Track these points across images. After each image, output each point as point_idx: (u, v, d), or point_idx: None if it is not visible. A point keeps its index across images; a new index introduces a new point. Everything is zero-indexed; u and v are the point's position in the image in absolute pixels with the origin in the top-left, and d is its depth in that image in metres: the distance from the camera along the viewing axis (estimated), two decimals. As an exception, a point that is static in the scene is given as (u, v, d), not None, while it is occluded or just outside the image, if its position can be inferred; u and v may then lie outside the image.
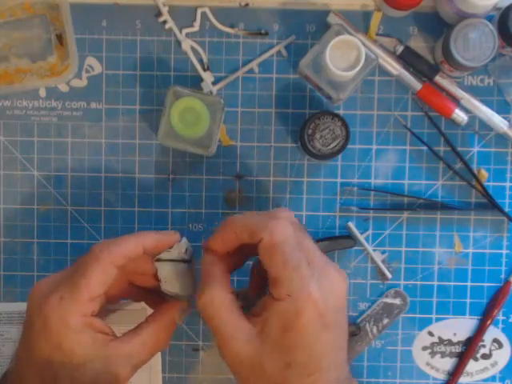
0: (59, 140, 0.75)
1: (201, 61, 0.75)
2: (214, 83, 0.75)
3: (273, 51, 0.75)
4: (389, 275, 0.76)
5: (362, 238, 0.75)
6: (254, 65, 0.75)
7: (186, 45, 0.74)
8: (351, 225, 0.76)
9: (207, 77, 0.75)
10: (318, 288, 0.59)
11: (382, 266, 0.76)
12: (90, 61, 0.75)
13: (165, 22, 0.74)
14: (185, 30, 0.74)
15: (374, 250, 0.76)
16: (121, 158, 0.75)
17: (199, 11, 0.74)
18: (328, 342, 0.60)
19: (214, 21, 0.75)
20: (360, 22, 0.75)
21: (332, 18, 0.73)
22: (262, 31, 0.75)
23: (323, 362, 0.60)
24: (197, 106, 0.69)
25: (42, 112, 0.75)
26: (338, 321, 0.61)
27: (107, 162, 0.75)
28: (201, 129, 0.69)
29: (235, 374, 0.62)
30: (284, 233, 0.60)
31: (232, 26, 0.75)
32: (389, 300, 0.76)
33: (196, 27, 0.74)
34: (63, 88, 0.75)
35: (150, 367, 0.76)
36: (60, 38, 0.74)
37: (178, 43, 0.75)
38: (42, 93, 0.75)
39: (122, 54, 0.75)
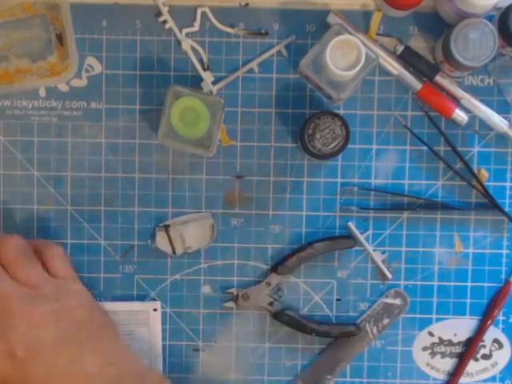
0: (59, 140, 0.75)
1: (201, 61, 0.75)
2: (214, 83, 0.75)
3: (273, 51, 0.75)
4: (389, 275, 0.76)
5: (362, 237, 0.75)
6: (253, 65, 0.75)
7: (186, 44, 0.74)
8: (351, 225, 0.75)
9: (207, 77, 0.75)
10: None
11: (382, 266, 0.76)
12: (90, 61, 0.75)
13: (165, 21, 0.74)
14: (185, 30, 0.74)
15: (374, 250, 0.76)
16: (121, 158, 0.75)
17: (199, 11, 0.74)
18: None
19: (214, 21, 0.75)
20: (360, 21, 0.75)
21: (332, 18, 0.73)
22: (262, 31, 0.75)
23: None
24: (197, 105, 0.69)
25: (41, 112, 0.75)
26: None
27: (107, 162, 0.75)
28: (201, 129, 0.69)
29: None
30: None
31: (232, 26, 0.75)
32: (389, 300, 0.76)
33: (196, 27, 0.74)
34: (63, 88, 0.75)
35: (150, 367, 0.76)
36: (60, 38, 0.74)
37: (178, 43, 0.75)
38: (42, 93, 0.75)
39: (122, 53, 0.75)
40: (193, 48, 0.75)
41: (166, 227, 0.75)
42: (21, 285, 0.66)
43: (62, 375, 0.64)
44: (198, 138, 0.71)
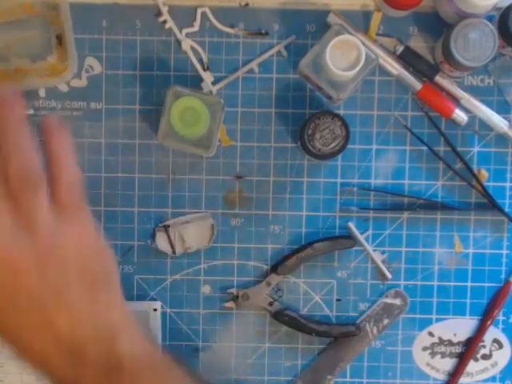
0: (59, 140, 0.75)
1: (201, 61, 0.75)
2: (213, 83, 0.75)
3: (273, 51, 0.75)
4: (389, 275, 0.76)
5: (361, 238, 0.75)
6: (253, 65, 0.75)
7: (186, 44, 0.74)
8: (351, 225, 0.75)
9: (207, 77, 0.75)
10: None
11: (382, 267, 0.76)
12: (90, 61, 0.75)
13: (165, 21, 0.74)
14: (185, 30, 0.74)
15: (374, 251, 0.76)
16: (121, 158, 0.75)
17: (199, 11, 0.74)
18: None
19: (214, 21, 0.75)
20: (360, 22, 0.75)
21: (332, 18, 0.73)
22: (262, 31, 0.75)
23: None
24: (197, 105, 0.69)
25: (41, 112, 0.75)
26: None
27: (107, 162, 0.75)
28: (201, 129, 0.69)
29: None
30: None
31: (232, 26, 0.75)
32: (389, 300, 0.76)
33: (196, 27, 0.74)
34: (63, 88, 0.75)
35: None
36: (60, 38, 0.74)
37: (178, 43, 0.75)
38: (42, 93, 0.75)
39: (122, 53, 0.75)
40: (193, 48, 0.75)
41: (166, 227, 0.75)
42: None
43: (32, 329, 0.57)
44: (197, 138, 0.71)
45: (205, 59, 0.75)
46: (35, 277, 0.57)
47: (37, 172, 0.58)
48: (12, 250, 0.56)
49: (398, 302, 0.76)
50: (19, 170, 0.57)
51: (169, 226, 0.75)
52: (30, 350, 0.58)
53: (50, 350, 0.57)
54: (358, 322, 0.76)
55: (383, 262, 0.76)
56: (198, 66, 0.75)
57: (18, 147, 0.58)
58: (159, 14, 0.74)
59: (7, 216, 0.57)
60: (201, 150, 0.72)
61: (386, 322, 0.76)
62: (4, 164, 0.57)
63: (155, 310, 0.75)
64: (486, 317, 0.76)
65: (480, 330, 0.76)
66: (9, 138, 0.58)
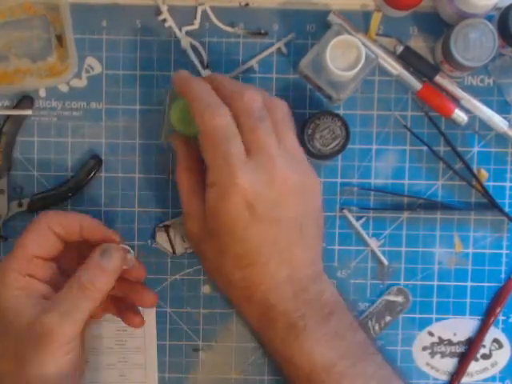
0: (59, 140, 0.75)
1: (201, 62, 0.75)
2: None
3: (273, 49, 0.75)
4: (385, 262, 0.76)
5: (357, 224, 0.75)
6: (253, 62, 0.75)
7: (186, 42, 0.74)
8: (347, 212, 0.75)
9: (207, 74, 0.74)
10: (249, 178, 0.60)
11: (378, 253, 0.76)
12: (90, 61, 0.75)
13: (164, 20, 0.74)
14: (184, 28, 0.74)
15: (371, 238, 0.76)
16: (121, 158, 0.75)
17: (199, 9, 0.74)
18: (262, 234, 0.61)
19: (214, 20, 0.74)
20: (360, 22, 0.75)
21: (332, 18, 0.73)
22: (262, 31, 0.75)
23: (259, 255, 0.62)
24: None
25: (41, 112, 0.75)
26: (278, 214, 0.62)
27: (107, 162, 0.75)
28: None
29: (193, 250, 0.71)
30: (218, 121, 0.61)
31: (232, 26, 0.75)
32: (391, 298, 0.76)
33: (196, 25, 0.74)
34: (63, 88, 0.75)
35: (146, 367, 0.76)
36: (60, 39, 0.74)
37: (178, 43, 0.75)
38: (42, 93, 0.75)
39: (122, 53, 0.75)
40: (192, 47, 0.74)
41: (166, 227, 0.75)
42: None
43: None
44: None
45: (204, 56, 0.75)
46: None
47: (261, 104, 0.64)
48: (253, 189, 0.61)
49: (400, 299, 0.76)
50: (247, 105, 0.63)
51: (169, 226, 0.75)
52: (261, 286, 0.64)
53: (282, 284, 0.63)
54: (360, 319, 0.76)
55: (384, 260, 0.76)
56: (198, 64, 0.75)
57: (238, 87, 0.65)
58: (159, 12, 0.74)
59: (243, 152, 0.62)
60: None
61: (388, 319, 0.76)
62: (233, 102, 0.63)
63: (151, 307, 0.76)
64: (488, 314, 0.76)
65: (483, 328, 0.76)
66: (226, 83, 0.65)
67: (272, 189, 0.61)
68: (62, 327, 0.60)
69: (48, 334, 0.60)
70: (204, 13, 0.74)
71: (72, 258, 0.67)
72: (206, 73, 0.75)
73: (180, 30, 0.74)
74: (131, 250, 0.66)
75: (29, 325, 0.60)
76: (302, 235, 0.64)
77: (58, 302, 0.61)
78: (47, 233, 0.64)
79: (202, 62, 0.75)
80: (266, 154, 0.62)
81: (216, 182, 0.61)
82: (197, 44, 0.75)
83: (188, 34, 0.75)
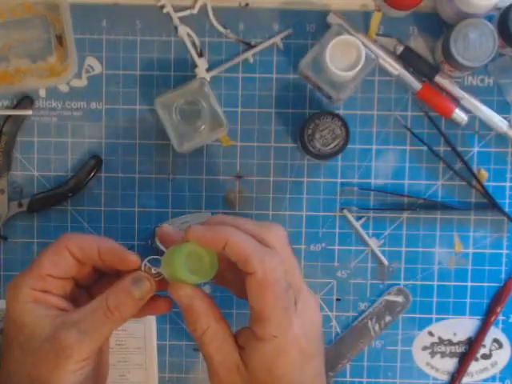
0: (59, 140, 0.75)
1: (196, 51, 0.75)
2: (208, 70, 0.74)
3: (269, 42, 0.74)
4: (385, 262, 0.76)
5: (357, 224, 0.75)
6: (249, 55, 0.74)
7: (183, 31, 0.74)
8: (347, 212, 0.75)
9: (201, 63, 0.74)
10: (301, 323, 0.59)
11: (378, 253, 0.76)
12: (90, 61, 0.75)
13: (162, 7, 0.74)
14: (182, 13, 0.74)
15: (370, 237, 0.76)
16: (121, 157, 0.75)
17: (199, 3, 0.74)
18: (311, 372, 0.61)
19: (212, 18, 0.74)
20: (360, 22, 0.75)
21: (332, 18, 0.73)
22: (252, 43, 0.75)
23: None
24: (199, 251, 0.61)
25: (41, 112, 0.75)
26: (318, 348, 0.61)
27: (107, 162, 0.75)
28: (203, 120, 0.69)
29: None
30: (278, 272, 0.57)
31: (232, 27, 0.75)
32: (391, 298, 0.76)
33: (195, 9, 0.74)
34: (63, 88, 0.75)
35: (146, 367, 0.76)
36: (60, 39, 0.74)
37: (178, 42, 0.75)
38: (42, 93, 0.75)
39: (122, 54, 0.75)
40: (191, 42, 0.75)
41: None
42: None
43: None
44: (208, 123, 0.70)
45: (197, 44, 0.74)
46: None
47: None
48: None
49: (400, 299, 0.76)
50: (279, 236, 0.60)
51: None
52: None
53: None
54: (359, 319, 0.76)
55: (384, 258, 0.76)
56: (193, 52, 0.74)
57: (257, 222, 0.62)
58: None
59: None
60: (219, 130, 0.71)
61: (388, 319, 0.76)
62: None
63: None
64: (488, 315, 0.76)
65: (483, 328, 0.76)
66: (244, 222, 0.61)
67: (314, 325, 0.61)
68: (80, 345, 0.59)
69: (65, 349, 0.59)
70: (204, 13, 0.74)
71: (89, 275, 0.66)
72: (200, 61, 0.74)
73: (178, 21, 0.74)
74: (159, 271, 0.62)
75: (46, 339, 0.60)
76: (323, 361, 0.64)
77: (79, 319, 0.60)
78: (65, 254, 0.63)
79: (197, 51, 0.75)
80: (304, 292, 0.61)
81: (278, 334, 0.58)
82: (192, 33, 0.74)
83: (182, 20, 0.74)
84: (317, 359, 0.61)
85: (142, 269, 0.62)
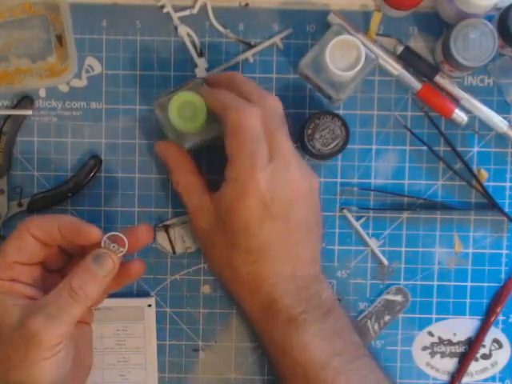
0: (59, 140, 0.75)
1: (196, 51, 0.75)
2: (208, 70, 0.75)
3: (269, 42, 0.74)
4: (385, 262, 0.76)
5: (357, 224, 0.75)
6: (249, 55, 0.74)
7: (183, 30, 0.74)
8: (347, 212, 0.75)
9: (201, 63, 0.74)
10: (268, 179, 0.63)
11: (378, 253, 0.76)
12: (90, 61, 0.75)
13: (162, 6, 0.74)
14: (180, 13, 0.74)
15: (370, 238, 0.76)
16: (121, 158, 0.75)
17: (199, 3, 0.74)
18: (273, 233, 0.64)
19: (212, 18, 0.74)
20: (360, 22, 0.75)
21: (332, 18, 0.73)
22: (252, 43, 0.75)
23: (269, 252, 0.65)
24: (193, 99, 0.69)
25: (41, 112, 0.75)
26: (289, 214, 0.65)
27: (107, 162, 0.75)
28: (201, 120, 0.69)
29: (199, 244, 0.73)
30: (251, 121, 0.64)
31: (232, 27, 0.75)
32: (390, 297, 0.76)
33: (195, 10, 0.74)
34: (63, 88, 0.75)
35: (146, 367, 0.76)
36: (60, 39, 0.74)
37: (178, 43, 0.75)
38: (42, 93, 0.75)
39: (122, 54, 0.75)
40: (190, 40, 0.75)
41: (166, 227, 0.75)
42: None
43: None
44: (207, 122, 0.70)
45: (197, 43, 0.74)
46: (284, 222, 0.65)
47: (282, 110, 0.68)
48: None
49: (399, 298, 0.76)
50: (272, 108, 0.66)
51: (169, 226, 0.75)
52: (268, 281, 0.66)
53: (286, 281, 0.66)
54: (359, 318, 0.76)
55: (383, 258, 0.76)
56: (193, 52, 0.74)
57: (259, 89, 0.68)
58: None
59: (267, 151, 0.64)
60: (219, 128, 0.70)
61: (387, 318, 0.76)
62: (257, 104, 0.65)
63: (150, 305, 0.75)
64: (488, 315, 0.76)
65: (482, 328, 0.76)
66: (246, 84, 0.68)
67: (287, 191, 0.65)
68: (48, 330, 0.59)
69: (34, 336, 0.59)
70: (204, 13, 0.74)
71: (57, 257, 0.67)
72: (200, 60, 0.74)
73: (178, 20, 0.74)
74: (124, 238, 0.64)
75: (15, 328, 0.60)
76: (307, 236, 0.67)
77: (45, 304, 0.60)
78: (27, 238, 0.63)
79: (197, 51, 0.75)
80: (284, 158, 0.65)
81: (237, 178, 0.64)
82: (192, 34, 0.74)
83: (182, 19, 0.74)
84: (289, 226, 0.65)
85: (102, 245, 0.63)
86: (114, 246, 0.63)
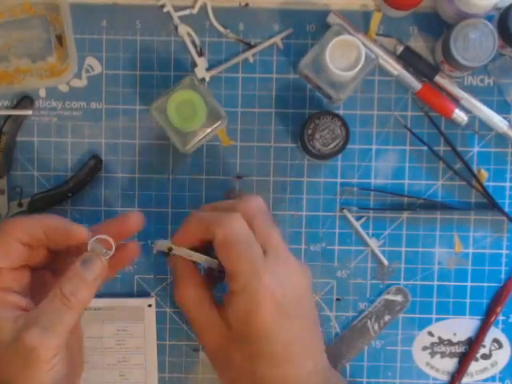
0: (59, 140, 0.75)
1: (196, 51, 0.75)
2: (208, 70, 0.75)
3: (270, 42, 0.74)
4: (385, 262, 0.76)
5: (357, 224, 0.75)
6: (249, 54, 0.74)
7: (183, 30, 0.74)
8: (347, 212, 0.75)
9: (201, 63, 0.74)
10: (274, 278, 0.61)
11: (378, 253, 0.76)
12: (90, 61, 0.75)
13: (162, 6, 0.74)
14: (181, 13, 0.74)
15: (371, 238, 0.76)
16: (121, 158, 0.75)
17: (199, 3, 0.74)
18: (292, 332, 0.62)
19: (212, 18, 0.74)
20: (360, 22, 0.75)
21: (332, 18, 0.73)
22: (252, 43, 0.75)
23: (291, 353, 0.62)
24: (193, 98, 0.69)
25: (41, 112, 0.75)
26: (300, 310, 0.63)
27: (107, 162, 0.75)
28: (199, 119, 0.69)
29: (211, 361, 0.67)
30: (236, 228, 0.62)
31: (232, 26, 0.75)
32: (390, 297, 0.76)
33: (195, 9, 0.74)
34: (63, 88, 0.75)
35: (146, 367, 0.76)
36: (60, 39, 0.74)
37: (178, 43, 0.75)
38: (42, 93, 0.75)
39: (122, 53, 0.75)
40: (190, 39, 0.75)
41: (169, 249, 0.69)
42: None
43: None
44: (207, 119, 0.70)
45: (197, 42, 0.74)
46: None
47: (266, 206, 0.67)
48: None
49: (399, 298, 0.76)
50: (258, 206, 0.65)
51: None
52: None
53: (311, 376, 0.64)
54: (359, 318, 0.76)
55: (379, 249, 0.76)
56: (193, 51, 0.74)
57: (243, 197, 0.68)
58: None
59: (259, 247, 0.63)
60: (219, 123, 0.70)
61: (387, 318, 0.76)
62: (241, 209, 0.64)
63: (150, 305, 0.75)
64: (488, 315, 0.76)
65: (482, 328, 0.76)
66: (223, 203, 0.68)
67: (293, 288, 0.63)
68: (45, 343, 0.58)
69: (31, 351, 0.57)
70: (204, 12, 0.74)
71: (44, 256, 0.65)
72: (200, 60, 0.74)
73: (178, 19, 0.74)
74: (111, 241, 0.62)
75: (11, 342, 0.58)
76: (316, 327, 0.66)
77: (39, 316, 0.59)
78: (11, 242, 0.61)
79: (197, 51, 0.75)
80: (282, 253, 0.64)
81: (244, 289, 0.61)
82: (192, 33, 0.74)
83: (186, 23, 0.74)
84: (302, 322, 0.63)
85: (89, 248, 0.62)
86: (101, 248, 0.62)
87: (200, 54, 0.75)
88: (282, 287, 0.61)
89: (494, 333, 0.77)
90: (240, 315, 0.61)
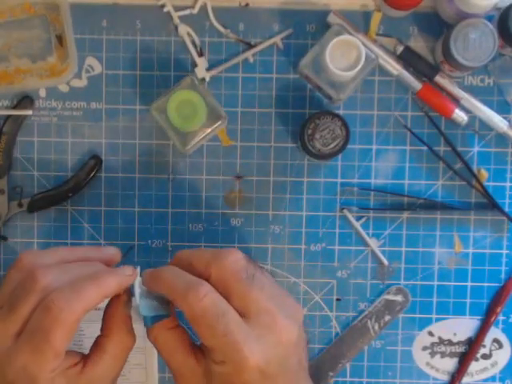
0: (59, 140, 0.75)
1: (197, 51, 0.75)
2: (208, 70, 0.75)
3: (270, 42, 0.74)
4: (385, 262, 0.76)
5: (357, 224, 0.75)
6: (249, 55, 0.74)
7: (183, 30, 0.74)
8: (347, 212, 0.75)
9: (201, 63, 0.74)
10: (257, 346, 0.57)
11: (378, 253, 0.76)
12: (90, 61, 0.75)
13: (162, 6, 0.74)
14: (181, 12, 0.74)
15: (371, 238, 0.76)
16: (121, 157, 0.75)
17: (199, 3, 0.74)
18: None
19: (212, 18, 0.74)
20: (360, 22, 0.75)
21: (332, 18, 0.73)
22: (252, 43, 0.75)
23: None
24: (193, 98, 0.69)
25: (42, 112, 0.75)
26: (286, 367, 0.59)
27: (107, 162, 0.75)
28: (199, 120, 0.69)
29: None
30: (204, 303, 0.56)
31: (232, 26, 0.75)
32: (390, 297, 0.76)
33: (195, 9, 0.74)
34: (63, 88, 0.75)
35: (146, 367, 0.76)
36: (60, 39, 0.74)
37: (178, 43, 0.75)
38: (42, 93, 0.75)
39: (122, 53, 0.75)
40: (190, 39, 0.75)
41: None
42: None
43: None
44: (207, 118, 0.70)
45: (197, 42, 0.74)
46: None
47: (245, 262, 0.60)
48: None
49: (399, 298, 0.76)
50: (233, 267, 0.58)
51: None
52: None
53: None
54: (359, 318, 0.76)
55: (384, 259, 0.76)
56: (193, 52, 0.74)
57: (213, 253, 0.60)
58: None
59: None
60: (220, 122, 0.70)
61: (387, 318, 0.76)
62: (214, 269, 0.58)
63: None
64: (488, 315, 0.76)
65: (483, 328, 0.76)
66: (198, 254, 0.61)
67: (280, 347, 0.58)
68: None
69: None
70: (204, 12, 0.74)
71: None
72: (200, 60, 0.74)
73: (178, 18, 0.74)
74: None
75: None
76: (303, 369, 0.62)
77: (105, 373, 0.59)
78: (75, 327, 0.57)
79: (197, 51, 0.75)
80: (264, 314, 0.58)
81: (225, 360, 0.57)
82: (192, 33, 0.74)
83: (186, 23, 0.74)
84: (286, 377, 0.59)
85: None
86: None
87: (200, 54, 0.75)
88: (265, 354, 0.57)
89: (494, 333, 0.77)
90: (222, 379, 0.58)
